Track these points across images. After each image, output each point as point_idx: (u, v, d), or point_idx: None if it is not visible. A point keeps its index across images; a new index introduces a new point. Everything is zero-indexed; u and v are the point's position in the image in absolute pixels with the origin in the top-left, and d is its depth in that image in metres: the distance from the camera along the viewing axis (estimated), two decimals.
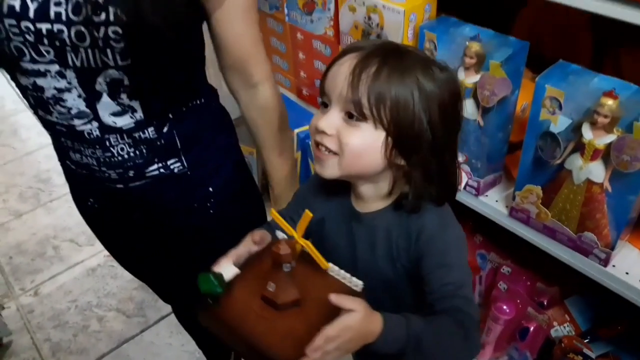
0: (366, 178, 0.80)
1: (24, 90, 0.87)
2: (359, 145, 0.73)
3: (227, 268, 0.75)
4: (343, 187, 0.86)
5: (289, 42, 1.50)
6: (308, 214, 0.72)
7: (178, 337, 1.88)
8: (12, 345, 1.95)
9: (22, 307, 2.11)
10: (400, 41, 1.13)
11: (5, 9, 0.76)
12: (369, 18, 1.16)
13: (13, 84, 0.90)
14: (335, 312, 0.66)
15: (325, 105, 0.77)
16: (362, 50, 0.74)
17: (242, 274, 0.75)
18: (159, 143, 0.93)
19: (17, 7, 0.76)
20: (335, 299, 0.65)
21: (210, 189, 1.03)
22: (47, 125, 0.92)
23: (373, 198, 0.83)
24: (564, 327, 1.33)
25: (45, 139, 1.06)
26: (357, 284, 0.75)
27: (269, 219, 0.88)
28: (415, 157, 0.75)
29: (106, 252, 1.34)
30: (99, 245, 1.30)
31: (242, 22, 0.91)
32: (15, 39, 0.79)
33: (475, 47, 0.99)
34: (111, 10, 0.76)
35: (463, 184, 1.18)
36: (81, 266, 2.27)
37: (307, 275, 0.74)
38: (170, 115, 0.92)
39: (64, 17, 0.76)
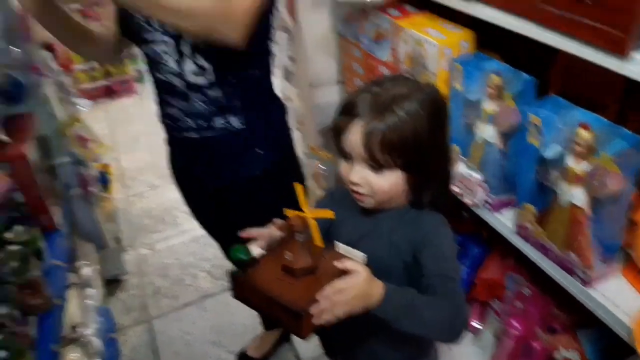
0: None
1: (145, 55, 1.18)
2: (387, 187, 0.88)
3: (253, 247, 0.87)
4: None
5: (364, 67, 1.68)
6: (329, 213, 0.84)
7: None
8: (126, 282, 2.34)
9: (140, 256, 2.51)
10: (436, 72, 1.26)
11: None
12: (416, 50, 1.30)
13: None
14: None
15: (348, 157, 0.89)
16: (362, 118, 0.83)
17: (266, 254, 0.86)
18: (223, 101, 1.19)
19: None
20: (343, 263, 0.79)
21: (261, 152, 1.26)
22: (156, 81, 1.22)
23: None
24: (570, 352, 1.33)
25: None
26: (362, 257, 0.84)
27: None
28: (420, 169, 0.88)
29: None
30: None
31: None
32: (138, 18, 1.11)
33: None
34: None
35: (481, 200, 1.26)
36: (189, 233, 2.62)
37: (318, 250, 0.84)
38: (233, 80, 1.17)
39: None
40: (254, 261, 0.85)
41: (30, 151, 1.47)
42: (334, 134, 0.89)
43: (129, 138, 3.71)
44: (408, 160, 0.84)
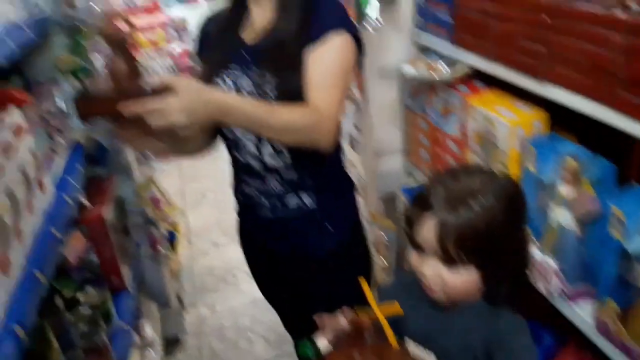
0: None
1: (226, 138, 1.23)
2: (461, 285, 0.84)
3: (322, 342, 0.86)
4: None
5: (430, 139, 1.68)
6: (398, 309, 0.82)
7: None
8: (185, 343, 2.37)
9: (200, 316, 2.54)
10: (508, 151, 1.23)
11: (215, 85, 1.17)
12: (486, 127, 1.29)
13: None
14: None
15: (419, 248, 0.86)
16: (435, 212, 0.81)
17: (333, 351, 0.85)
18: (298, 182, 1.21)
19: (222, 84, 1.17)
20: None
21: (332, 230, 1.26)
22: (235, 161, 1.27)
23: None
24: None
25: None
26: None
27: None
28: (496, 266, 0.84)
29: None
30: None
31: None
32: None
33: None
34: (271, 80, 1.11)
35: (556, 288, 1.19)
36: (249, 295, 2.63)
37: (387, 348, 0.82)
38: (308, 162, 1.20)
39: (246, 87, 1.14)
40: (320, 358, 0.83)
41: (107, 213, 1.55)
42: (407, 224, 0.88)
43: (197, 194, 3.86)
44: (483, 257, 0.81)
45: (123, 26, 0.97)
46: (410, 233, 0.86)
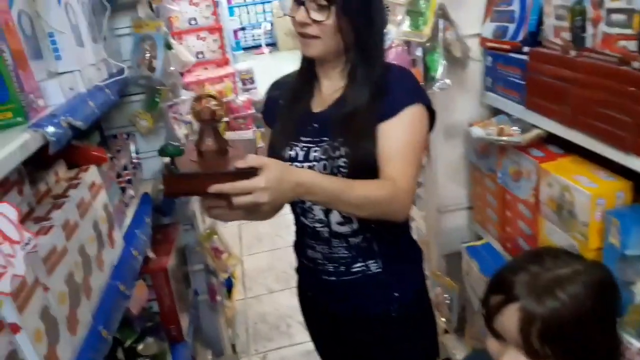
0: None
1: (295, 204, 1.23)
2: None
3: None
4: None
5: (499, 200, 1.60)
6: None
7: None
8: None
9: None
10: (588, 222, 1.14)
11: (287, 155, 1.17)
12: (563, 195, 1.21)
13: None
14: None
15: (500, 337, 0.80)
16: (518, 301, 0.75)
17: None
18: (364, 247, 1.19)
19: (293, 155, 1.16)
20: None
21: (396, 294, 1.22)
22: (301, 226, 1.26)
23: None
24: None
25: None
26: None
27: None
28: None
29: None
30: None
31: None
32: None
33: None
34: (342, 149, 1.10)
35: None
36: (302, 346, 2.57)
37: None
38: (375, 229, 1.18)
39: (317, 157, 1.13)
40: None
41: (171, 264, 1.56)
42: (485, 310, 0.82)
43: (253, 238, 3.88)
44: (570, 351, 0.74)
45: (212, 104, 0.98)
46: (488, 319, 0.80)
